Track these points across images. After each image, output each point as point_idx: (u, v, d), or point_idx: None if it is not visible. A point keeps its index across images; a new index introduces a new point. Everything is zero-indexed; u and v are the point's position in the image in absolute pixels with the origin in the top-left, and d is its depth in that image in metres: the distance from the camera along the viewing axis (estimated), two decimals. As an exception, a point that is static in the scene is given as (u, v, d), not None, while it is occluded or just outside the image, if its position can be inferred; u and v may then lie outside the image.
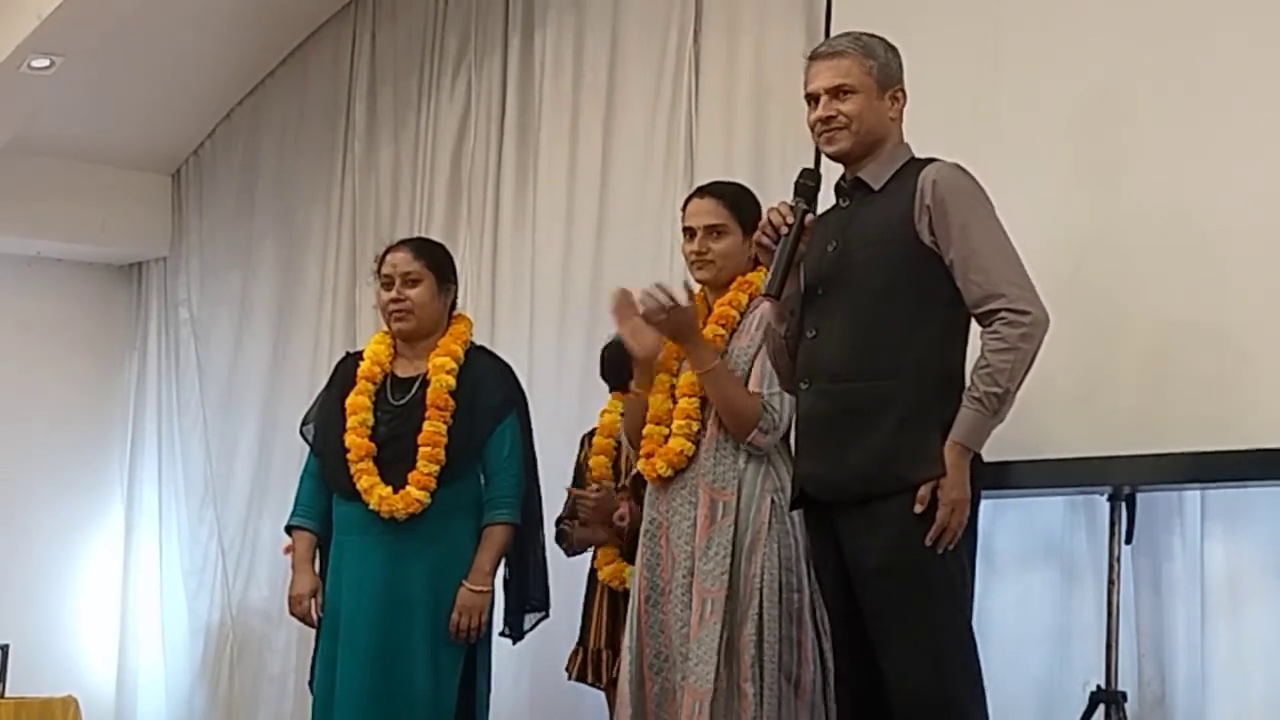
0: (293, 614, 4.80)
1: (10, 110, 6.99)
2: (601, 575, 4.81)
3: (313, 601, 4.72)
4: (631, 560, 4.67)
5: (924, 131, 3.71)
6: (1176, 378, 4.07)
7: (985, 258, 3.50)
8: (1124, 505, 4.14)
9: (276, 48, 7.46)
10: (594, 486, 4.78)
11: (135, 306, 8.32)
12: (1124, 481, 4.12)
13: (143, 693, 7.92)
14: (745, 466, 4.04)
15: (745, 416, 4.02)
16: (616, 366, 4.79)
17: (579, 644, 4.87)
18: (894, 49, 3.69)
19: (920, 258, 3.53)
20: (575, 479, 4.98)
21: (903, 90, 3.66)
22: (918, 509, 3.44)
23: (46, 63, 6.63)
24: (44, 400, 8.07)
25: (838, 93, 3.63)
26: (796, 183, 3.67)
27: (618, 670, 4.54)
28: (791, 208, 3.62)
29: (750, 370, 4.08)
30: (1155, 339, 4.11)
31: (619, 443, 4.80)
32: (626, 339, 4.24)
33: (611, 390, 4.91)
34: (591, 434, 4.97)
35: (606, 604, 4.80)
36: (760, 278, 3.99)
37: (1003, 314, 3.47)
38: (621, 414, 4.60)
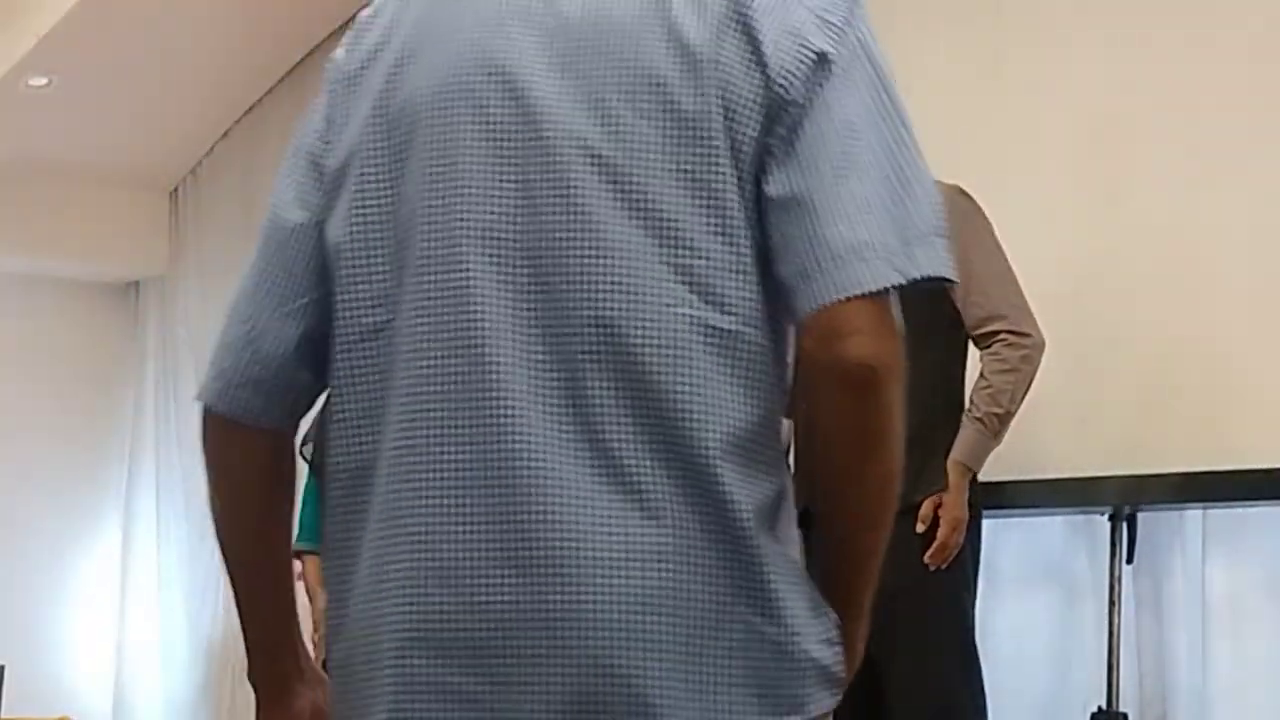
0: (313, 637, 4.76)
1: (7, 129, 6.99)
2: None
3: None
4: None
5: (925, 155, 3.70)
6: (1176, 398, 4.06)
7: (985, 280, 3.50)
8: (1125, 525, 4.13)
9: (274, 66, 7.45)
10: None
11: (133, 326, 8.31)
12: (1124, 501, 4.12)
13: (140, 713, 7.89)
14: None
15: None
16: None
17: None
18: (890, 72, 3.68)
19: None
20: None
21: (903, 114, 3.66)
22: (920, 528, 3.43)
23: (44, 81, 6.63)
24: (41, 419, 8.05)
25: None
26: None
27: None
28: None
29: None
30: (1155, 360, 4.10)
31: None
32: None
33: None
34: None
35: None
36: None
37: (1003, 335, 3.47)
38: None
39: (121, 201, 7.98)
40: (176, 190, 8.09)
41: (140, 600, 7.98)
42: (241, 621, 1.77)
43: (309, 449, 4.93)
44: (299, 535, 5.44)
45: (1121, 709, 4.06)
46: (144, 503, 8.04)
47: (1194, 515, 4.24)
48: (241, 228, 7.68)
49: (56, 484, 8.03)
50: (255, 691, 1.77)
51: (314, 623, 4.76)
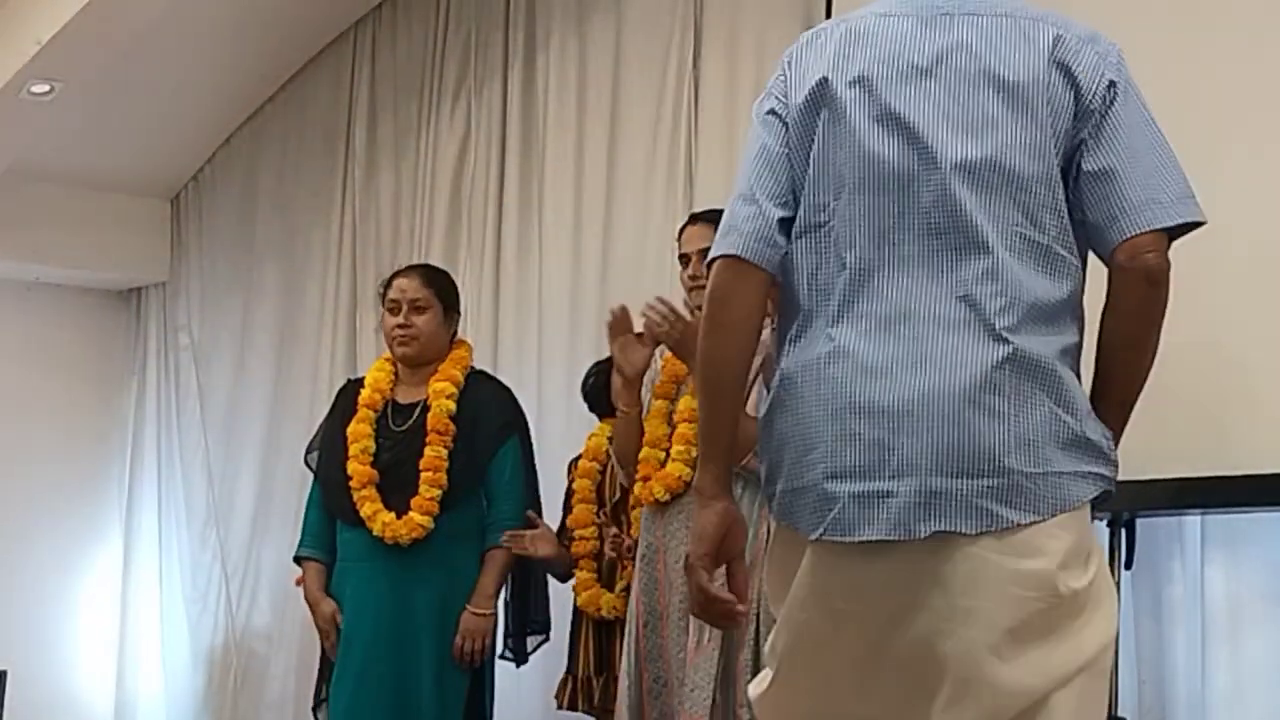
0: (324, 645, 4.79)
1: (9, 136, 6.99)
2: (579, 601, 4.80)
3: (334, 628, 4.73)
4: (608, 586, 4.68)
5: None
6: (1176, 403, 4.05)
7: None
8: (1124, 530, 4.14)
9: (276, 73, 7.47)
10: (613, 531, 4.74)
11: (134, 332, 8.31)
12: (1123, 507, 4.12)
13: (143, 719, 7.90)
14: (743, 492, 4.03)
15: (741, 439, 4.02)
16: (595, 396, 4.82)
17: (568, 672, 4.85)
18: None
19: None
20: (565, 504, 4.98)
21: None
22: None
23: (46, 88, 6.64)
24: (43, 426, 8.05)
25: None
26: None
27: (613, 696, 4.53)
28: None
29: (748, 395, 4.08)
30: (1156, 364, 4.10)
31: (604, 466, 4.80)
32: (616, 355, 4.25)
33: (601, 419, 4.91)
34: (579, 459, 4.96)
35: (592, 630, 4.79)
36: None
37: None
38: (609, 437, 4.61)
39: (123, 208, 7.98)
40: (178, 197, 8.10)
41: (142, 607, 7.98)
42: (703, 439, 2.72)
43: (313, 458, 4.96)
44: (300, 542, 5.49)
45: (1120, 714, 4.07)
46: (145, 509, 8.04)
47: (1193, 521, 4.24)
48: (243, 234, 7.71)
49: (58, 490, 8.03)
50: (698, 496, 2.67)
51: (322, 630, 4.76)
